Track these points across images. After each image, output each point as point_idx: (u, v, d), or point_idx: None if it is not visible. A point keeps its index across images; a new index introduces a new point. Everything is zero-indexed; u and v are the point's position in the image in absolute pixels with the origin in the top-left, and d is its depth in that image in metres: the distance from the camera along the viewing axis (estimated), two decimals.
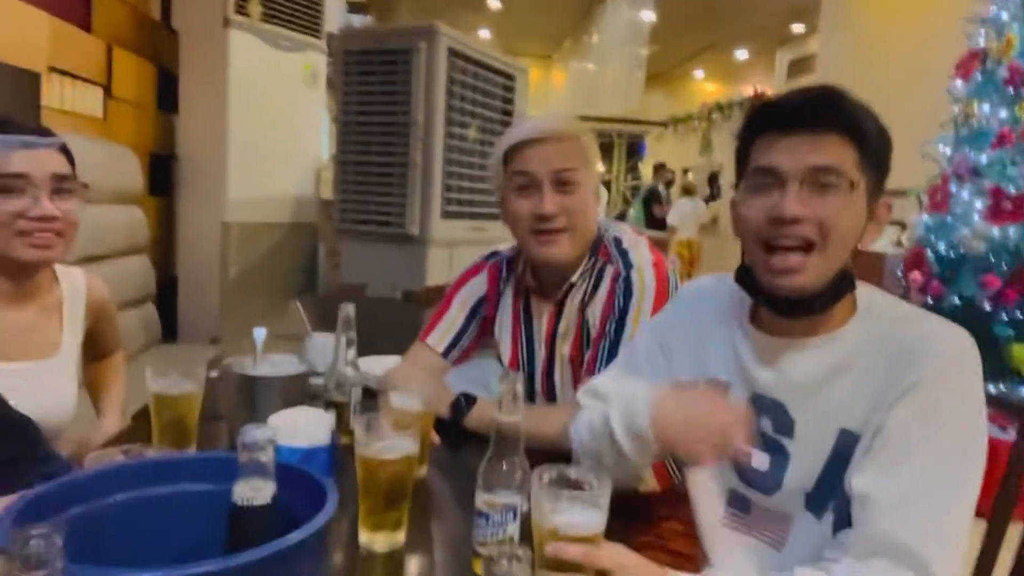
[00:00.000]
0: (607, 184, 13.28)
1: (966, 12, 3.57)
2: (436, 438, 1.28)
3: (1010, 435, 1.22)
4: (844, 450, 0.91)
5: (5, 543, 0.47)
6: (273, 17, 4.39)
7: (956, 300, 3.29)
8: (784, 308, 0.95)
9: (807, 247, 0.89)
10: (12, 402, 1.03)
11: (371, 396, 1.36)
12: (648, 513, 1.36)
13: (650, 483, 1.39)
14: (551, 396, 1.47)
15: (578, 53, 11.92)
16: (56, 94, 3.34)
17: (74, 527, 0.68)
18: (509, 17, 10.84)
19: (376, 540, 0.94)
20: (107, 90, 3.82)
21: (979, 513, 0.89)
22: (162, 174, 4.38)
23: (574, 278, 1.40)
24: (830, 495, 0.92)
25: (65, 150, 1.28)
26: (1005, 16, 3.37)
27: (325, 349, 1.34)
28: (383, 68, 3.73)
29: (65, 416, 1.35)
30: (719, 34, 11.17)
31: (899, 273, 3.68)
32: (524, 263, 1.49)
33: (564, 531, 0.80)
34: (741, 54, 12.59)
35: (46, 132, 1.27)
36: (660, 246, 1.47)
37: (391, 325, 1.88)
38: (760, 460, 0.98)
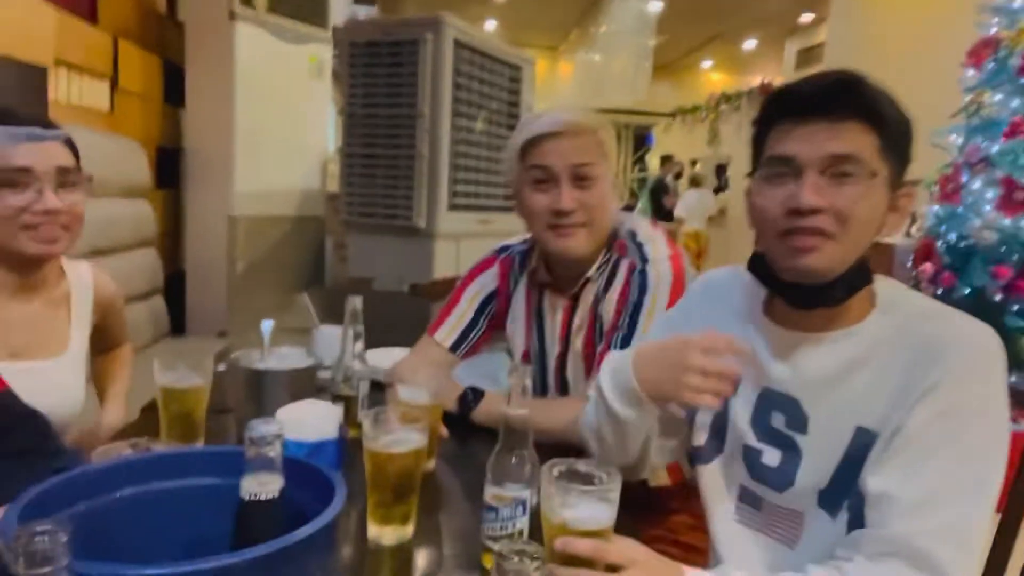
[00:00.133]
0: None
1: (978, 0, 3.53)
2: (444, 431, 1.27)
3: (1022, 426, 1.21)
4: (860, 448, 0.89)
5: (11, 540, 0.47)
6: (278, 9, 4.38)
7: (966, 291, 3.26)
8: (799, 298, 0.93)
9: (825, 237, 0.86)
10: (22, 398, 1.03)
11: (379, 389, 1.36)
12: (658, 506, 1.36)
13: (661, 477, 1.39)
14: (564, 391, 1.46)
15: (585, 44, 11.87)
16: (63, 88, 3.35)
17: (81, 522, 0.68)
18: (515, 8, 10.79)
19: (384, 534, 0.94)
20: (114, 83, 3.82)
21: None
22: (169, 167, 4.39)
23: (590, 273, 1.38)
24: (844, 493, 0.90)
25: (69, 142, 1.27)
26: (1018, 3, 3.33)
27: (332, 342, 1.34)
28: (389, 60, 3.72)
29: (74, 411, 1.35)
30: (727, 24, 11.10)
31: (909, 264, 3.66)
32: (538, 258, 1.47)
33: (574, 525, 0.79)
34: (749, 44, 12.53)
35: (50, 124, 1.25)
36: None
37: (398, 318, 1.88)
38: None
